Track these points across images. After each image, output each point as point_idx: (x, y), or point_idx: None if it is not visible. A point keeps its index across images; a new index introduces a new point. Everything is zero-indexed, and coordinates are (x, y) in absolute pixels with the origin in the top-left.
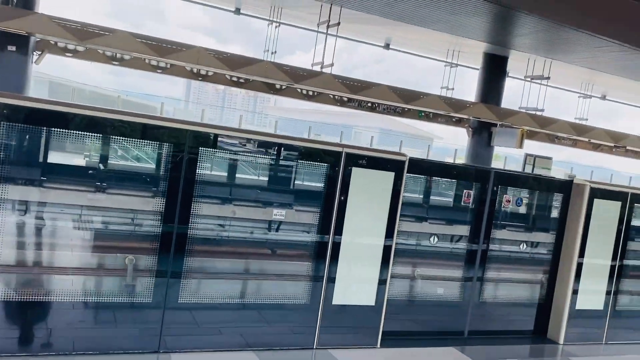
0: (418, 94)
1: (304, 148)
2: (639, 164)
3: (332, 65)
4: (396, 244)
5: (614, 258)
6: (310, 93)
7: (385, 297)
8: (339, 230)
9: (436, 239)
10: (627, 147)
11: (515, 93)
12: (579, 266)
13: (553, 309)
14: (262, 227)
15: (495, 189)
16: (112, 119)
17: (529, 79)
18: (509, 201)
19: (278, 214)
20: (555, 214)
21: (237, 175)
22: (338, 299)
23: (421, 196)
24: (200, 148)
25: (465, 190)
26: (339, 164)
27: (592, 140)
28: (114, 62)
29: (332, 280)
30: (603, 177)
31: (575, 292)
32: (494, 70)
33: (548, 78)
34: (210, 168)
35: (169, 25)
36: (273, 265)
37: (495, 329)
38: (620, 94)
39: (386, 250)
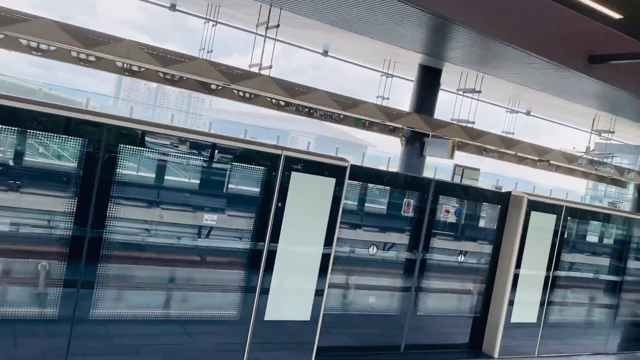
0: (355, 102)
1: (239, 149)
2: (560, 178)
3: (270, 67)
4: (335, 252)
5: (548, 269)
6: (247, 95)
7: (322, 310)
8: (274, 238)
9: (375, 248)
10: (550, 161)
11: (447, 106)
12: (515, 277)
13: (489, 322)
14: (189, 233)
15: (435, 199)
16: (9, 106)
17: (461, 92)
18: (448, 212)
19: (208, 219)
20: (493, 225)
21: (163, 176)
22: (271, 313)
23: (361, 204)
24: (120, 145)
25: (405, 200)
26: (277, 167)
27: (519, 154)
28: (35, 53)
29: (265, 291)
30: (526, 189)
31: (511, 303)
32: (428, 82)
33: (479, 92)
34: (133, 168)
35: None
36: (201, 276)
37: (432, 343)
38: (544, 110)
39: (324, 259)
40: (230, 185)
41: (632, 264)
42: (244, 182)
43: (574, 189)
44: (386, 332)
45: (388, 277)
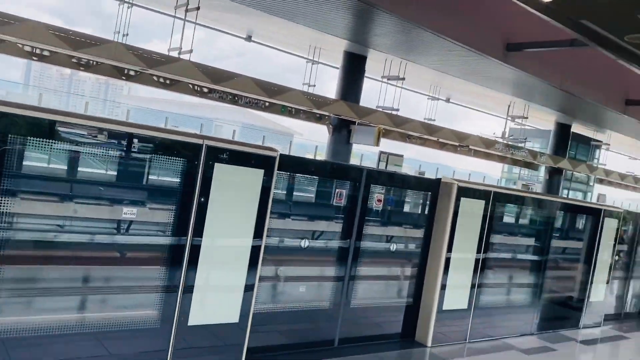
0: (281, 88)
1: (156, 139)
2: (477, 162)
3: (190, 52)
4: (266, 244)
5: (478, 252)
6: (167, 81)
7: (252, 308)
8: (198, 232)
9: (307, 242)
10: (470, 146)
11: (372, 93)
12: (447, 262)
13: (421, 310)
14: (102, 228)
15: (367, 187)
16: None
17: (385, 79)
18: (381, 200)
19: (124, 212)
20: (424, 212)
21: (75, 169)
22: (196, 317)
23: (293, 194)
24: (23, 137)
25: (337, 189)
26: (199, 158)
27: (440, 140)
28: None
29: (188, 290)
30: (446, 174)
31: (443, 288)
32: (354, 69)
33: (403, 79)
34: (42, 160)
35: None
36: (117, 277)
37: (366, 335)
38: (462, 97)
39: (254, 252)
40: (149, 177)
41: (555, 243)
42: (163, 173)
43: (490, 173)
44: (319, 327)
45: (321, 269)
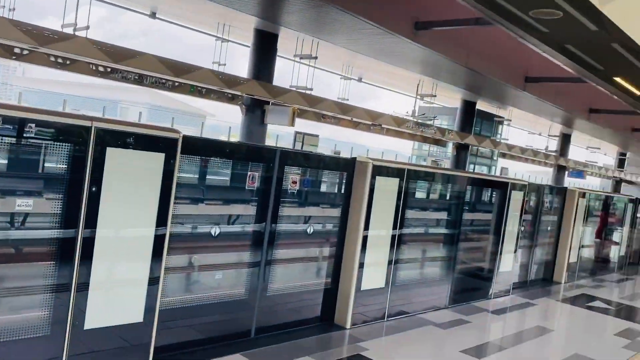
0: (189, 67)
1: (37, 121)
2: (389, 140)
3: (87, 28)
4: (171, 234)
5: (394, 229)
6: (62, 60)
7: (157, 304)
8: (91, 223)
9: (218, 228)
10: (383, 125)
11: (284, 73)
12: (364, 240)
13: (340, 292)
14: None
15: (281, 168)
16: None
17: (297, 58)
18: (296, 181)
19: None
20: (340, 191)
21: None
22: (93, 320)
23: (202, 177)
24: None
25: (250, 172)
26: (87, 142)
27: (354, 119)
28: None
29: (82, 288)
30: (361, 152)
31: (361, 267)
32: (265, 48)
33: (315, 58)
34: None
35: None
36: None
37: (284, 322)
38: (373, 76)
39: (158, 241)
40: (31, 165)
41: (466, 216)
42: (47, 160)
43: (401, 150)
44: (235, 318)
45: (234, 255)
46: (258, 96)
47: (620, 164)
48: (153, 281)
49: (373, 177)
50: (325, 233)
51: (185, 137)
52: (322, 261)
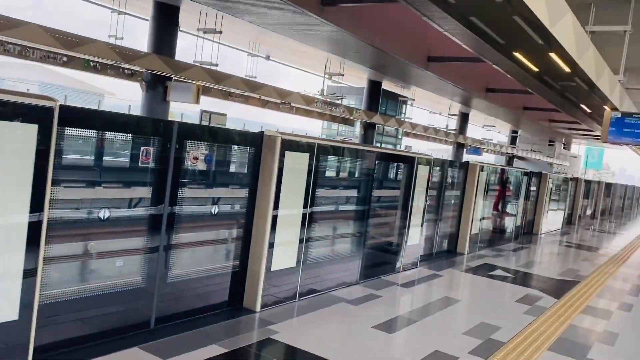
0: (82, 39)
1: None
2: (299, 119)
3: None
4: (51, 220)
5: (305, 207)
6: None
7: (36, 299)
8: None
9: (107, 212)
10: (292, 104)
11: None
12: (274, 219)
13: (249, 273)
14: None
15: (180, 144)
16: None
17: (201, 33)
18: (197, 158)
19: None
20: (247, 169)
21: None
22: None
23: (90, 156)
24: None
25: (143, 147)
26: None
27: (263, 97)
28: None
29: None
30: None
31: (271, 247)
32: (166, 21)
33: (220, 32)
34: None
35: None
36: None
37: (189, 309)
38: (281, 54)
39: (33, 228)
40: None
41: (376, 192)
42: None
43: (311, 130)
44: (131, 309)
45: (127, 241)
46: (159, 72)
47: (513, 140)
48: (29, 273)
49: (282, 153)
50: (232, 213)
51: (63, 107)
52: (230, 243)
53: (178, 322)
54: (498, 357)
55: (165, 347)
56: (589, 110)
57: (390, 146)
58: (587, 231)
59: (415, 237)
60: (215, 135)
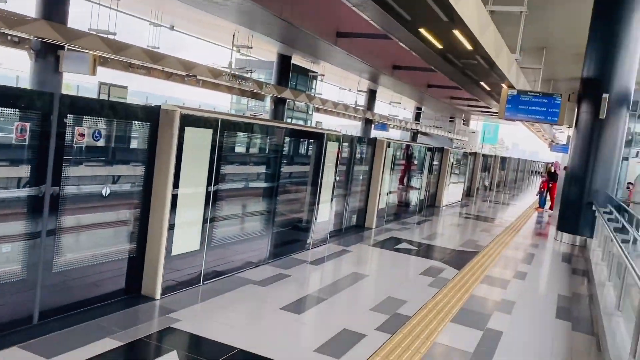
0: None
1: None
2: (207, 93)
3: None
4: None
5: (208, 185)
6: None
7: None
8: None
9: None
10: (198, 77)
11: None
12: (174, 200)
13: (147, 259)
14: None
15: (63, 119)
16: None
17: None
18: (83, 134)
19: None
20: (143, 145)
21: None
22: None
23: None
24: None
25: (18, 123)
26: None
27: (166, 69)
28: None
29: None
30: None
31: (171, 228)
32: None
33: None
34: None
35: None
36: None
37: (79, 300)
38: (187, 25)
39: None
40: None
41: (285, 169)
42: None
43: (220, 104)
44: (9, 303)
45: (1, 226)
46: (49, 39)
47: (417, 117)
48: None
49: (182, 129)
50: (126, 193)
51: None
52: (124, 226)
53: (66, 315)
54: (404, 332)
55: (50, 344)
56: (488, 88)
57: (301, 122)
58: (485, 202)
59: (325, 214)
60: (105, 110)
